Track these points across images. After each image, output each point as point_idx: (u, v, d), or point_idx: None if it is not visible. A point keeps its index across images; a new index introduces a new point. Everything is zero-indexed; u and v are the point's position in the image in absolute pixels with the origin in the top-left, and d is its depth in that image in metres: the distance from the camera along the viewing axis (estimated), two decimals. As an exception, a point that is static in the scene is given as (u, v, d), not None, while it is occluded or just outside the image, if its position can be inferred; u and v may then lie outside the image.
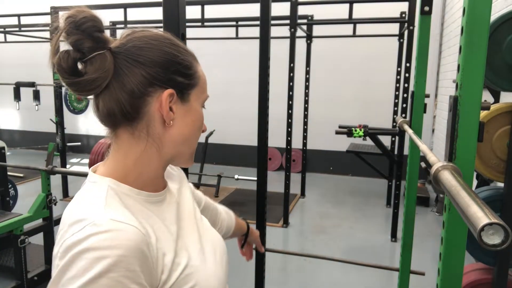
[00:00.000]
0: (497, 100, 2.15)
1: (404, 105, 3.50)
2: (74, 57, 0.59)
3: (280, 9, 3.65)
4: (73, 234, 0.54)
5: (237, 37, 5.00)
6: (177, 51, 0.66)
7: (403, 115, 3.40)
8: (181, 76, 0.65)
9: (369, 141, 3.68)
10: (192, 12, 3.40)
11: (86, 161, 5.65)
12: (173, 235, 0.66)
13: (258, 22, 1.83)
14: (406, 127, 1.59)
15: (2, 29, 5.61)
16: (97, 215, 0.56)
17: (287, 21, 3.76)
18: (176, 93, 0.64)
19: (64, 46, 0.60)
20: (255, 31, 2.19)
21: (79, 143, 7.31)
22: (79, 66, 0.60)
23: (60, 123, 4.57)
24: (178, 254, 0.64)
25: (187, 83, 0.66)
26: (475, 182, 1.98)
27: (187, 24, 1.20)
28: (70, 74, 0.59)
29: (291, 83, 3.78)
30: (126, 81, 0.61)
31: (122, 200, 0.61)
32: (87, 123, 7.31)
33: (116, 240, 0.53)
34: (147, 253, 0.56)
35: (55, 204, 2.61)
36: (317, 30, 4.78)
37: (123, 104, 0.62)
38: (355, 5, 3.66)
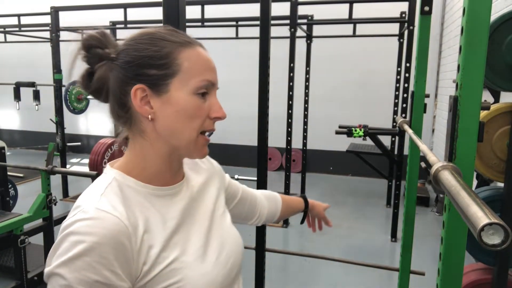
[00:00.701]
0: (497, 100, 2.15)
1: (404, 105, 3.50)
2: (87, 72, 0.69)
3: (280, 9, 3.65)
4: (68, 218, 0.61)
5: (237, 37, 5.00)
6: (151, 43, 0.66)
7: (403, 115, 3.40)
8: (152, 68, 0.65)
9: (369, 141, 3.68)
10: (192, 12, 3.40)
11: (86, 161, 5.65)
12: (169, 229, 0.67)
13: (258, 22, 1.83)
14: (406, 127, 1.59)
15: (2, 29, 5.61)
16: (88, 203, 0.62)
17: (287, 21, 3.76)
18: (149, 87, 0.65)
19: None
20: (255, 31, 2.19)
21: (79, 143, 7.31)
22: None
23: (60, 123, 4.57)
24: (167, 248, 0.65)
25: (161, 73, 0.65)
26: (475, 182, 1.98)
27: (187, 24, 1.20)
28: (86, 87, 0.69)
29: (291, 83, 3.78)
30: (112, 87, 0.68)
31: (122, 191, 0.65)
32: (87, 123, 7.31)
33: (94, 228, 0.58)
34: (126, 243, 0.60)
35: (55, 204, 2.61)
36: (317, 30, 4.78)
37: (115, 108, 0.69)
38: (355, 5, 3.67)
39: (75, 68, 0.69)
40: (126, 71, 0.66)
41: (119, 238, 0.59)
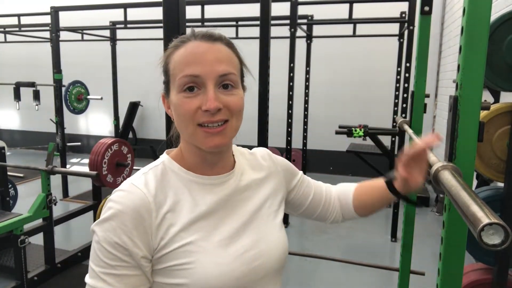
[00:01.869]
0: (497, 100, 2.14)
1: (404, 105, 3.50)
2: None
3: (280, 9, 3.65)
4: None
5: (237, 37, 5.00)
6: (165, 55, 0.74)
7: (403, 115, 3.40)
8: (164, 77, 0.74)
9: (369, 141, 3.67)
10: (192, 12, 3.40)
11: (86, 161, 5.64)
12: (195, 213, 0.71)
13: (258, 22, 1.83)
14: (406, 127, 1.59)
15: (2, 29, 5.61)
16: (131, 178, 0.72)
17: (287, 21, 3.76)
18: (165, 93, 0.75)
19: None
20: (255, 31, 2.19)
21: (79, 143, 7.31)
22: None
23: (60, 123, 4.57)
24: (188, 230, 0.69)
25: (166, 80, 0.74)
26: (475, 182, 1.98)
27: (187, 24, 1.20)
28: None
29: (291, 83, 3.78)
30: None
31: (165, 174, 0.73)
32: (87, 123, 7.31)
33: (122, 198, 0.67)
34: (145, 216, 0.67)
35: (55, 204, 2.62)
36: (317, 30, 4.78)
37: None
38: (355, 5, 3.67)
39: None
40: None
41: (139, 210, 0.66)
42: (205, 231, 0.70)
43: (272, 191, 0.84)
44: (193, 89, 0.68)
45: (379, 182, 0.92)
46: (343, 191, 1.01)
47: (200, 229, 0.70)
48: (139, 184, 0.69)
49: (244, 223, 0.75)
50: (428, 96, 1.64)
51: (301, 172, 0.98)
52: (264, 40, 1.80)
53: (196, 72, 0.67)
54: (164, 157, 0.77)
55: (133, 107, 6.18)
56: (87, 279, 0.67)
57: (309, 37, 4.58)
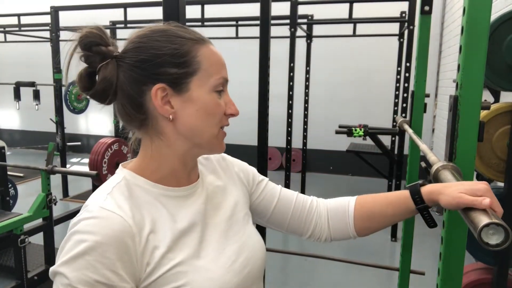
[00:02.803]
0: (497, 100, 2.14)
1: (404, 105, 3.49)
2: (86, 73, 0.65)
3: (280, 9, 3.64)
4: (76, 217, 0.60)
5: (237, 37, 5.00)
6: (167, 41, 0.64)
7: (403, 115, 3.40)
8: (172, 67, 0.63)
9: (369, 141, 3.67)
10: (192, 12, 3.40)
11: (86, 161, 5.65)
12: (178, 230, 0.64)
13: (258, 22, 1.83)
14: (406, 126, 1.59)
15: (2, 29, 5.60)
16: (95, 202, 0.61)
17: (287, 21, 3.76)
18: (170, 86, 0.64)
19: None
20: (255, 31, 2.19)
21: (79, 143, 7.31)
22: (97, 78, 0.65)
23: (60, 122, 4.57)
24: (174, 249, 0.62)
25: (182, 72, 0.64)
26: (475, 182, 1.98)
27: (187, 24, 1.20)
28: (84, 89, 0.65)
29: (291, 83, 3.78)
30: (124, 87, 0.64)
31: (131, 190, 0.64)
32: (87, 123, 7.31)
33: (97, 227, 0.57)
34: (129, 243, 0.58)
35: (55, 204, 2.61)
36: (317, 29, 4.77)
37: (128, 109, 0.66)
38: (355, 5, 3.66)
39: (69, 68, 0.65)
40: (143, 70, 0.63)
41: (122, 237, 0.57)
42: (191, 247, 0.65)
43: (236, 195, 0.80)
44: (220, 92, 0.68)
45: (395, 193, 0.79)
46: (338, 204, 0.86)
47: (185, 247, 0.64)
48: (111, 207, 0.59)
49: (223, 232, 0.71)
50: (428, 96, 1.64)
51: (264, 177, 0.88)
52: (264, 40, 1.80)
53: (227, 76, 0.69)
54: (124, 171, 0.67)
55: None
56: None
57: (309, 37, 4.58)
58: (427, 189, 0.73)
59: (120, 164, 0.71)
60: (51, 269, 0.58)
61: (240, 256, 0.70)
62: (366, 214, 0.81)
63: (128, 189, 0.64)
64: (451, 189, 0.68)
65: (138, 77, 0.63)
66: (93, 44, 0.63)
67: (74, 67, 0.66)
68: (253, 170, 0.88)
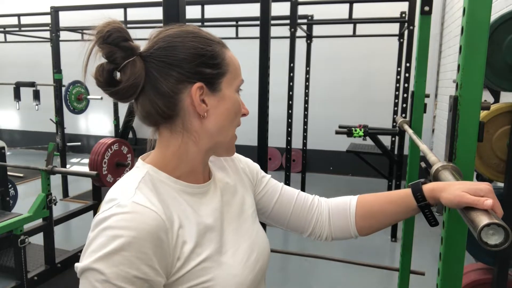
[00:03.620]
0: (497, 100, 2.14)
1: (404, 105, 3.49)
2: (108, 69, 0.64)
3: (280, 9, 3.64)
4: (103, 212, 0.59)
5: (237, 37, 5.00)
6: (201, 42, 0.67)
7: (403, 115, 3.40)
8: (208, 67, 0.66)
9: (369, 141, 3.67)
10: (192, 12, 3.40)
11: (86, 161, 5.65)
12: (202, 225, 0.66)
13: (258, 22, 1.83)
14: (406, 127, 1.59)
15: (2, 29, 5.60)
16: (125, 196, 0.60)
17: (287, 21, 3.76)
18: (206, 85, 0.66)
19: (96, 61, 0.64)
20: (255, 31, 2.19)
21: (79, 143, 7.31)
22: (118, 75, 0.65)
23: (60, 123, 4.57)
24: (201, 244, 0.64)
25: (216, 72, 0.67)
26: (475, 182, 1.98)
27: (187, 24, 1.20)
28: (108, 85, 0.64)
29: (291, 83, 3.78)
30: (158, 84, 0.65)
31: (155, 186, 0.65)
32: (87, 123, 7.31)
33: (133, 222, 0.56)
34: (164, 238, 0.59)
35: (55, 204, 2.61)
36: (317, 30, 4.77)
37: (158, 106, 0.66)
38: (355, 5, 3.66)
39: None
40: (182, 69, 0.64)
41: (157, 232, 0.58)
42: (215, 243, 0.67)
43: (244, 191, 0.82)
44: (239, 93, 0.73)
45: (397, 191, 0.80)
46: (339, 202, 0.86)
47: (210, 242, 0.66)
48: (143, 202, 0.59)
49: (236, 229, 0.73)
50: (428, 96, 1.64)
51: (267, 174, 0.91)
52: (264, 40, 1.80)
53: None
54: (146, 166, 0.68)
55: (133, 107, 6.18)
56: None
57: (309, 37, 4.58)
58: (429, 187, 0.74)
59: (140, 158, 0.71)
60: (81, 265, 0.56)
61: (252, 253, 0.73)
62: (367, 212, 0.82)
63: (153, 184, 0.65)
64: (453, 188, 0.68)
65: (177, 75, 0.65)
66: (122, 39, 0.63)
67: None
68: (256, 166, 0.91)
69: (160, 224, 0.59)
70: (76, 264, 0.58)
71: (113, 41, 0.62)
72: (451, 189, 0.69)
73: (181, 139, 0.68)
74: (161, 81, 0.64)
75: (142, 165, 0.68)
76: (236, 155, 0.88)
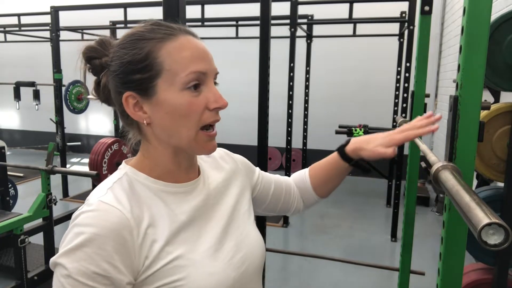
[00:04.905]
0: (497, 100, 2.15)
1: (404, 105, 3.50)
2: (96, 82, 0.71)
3: (280, 9, 3.65)
4: (78, 210, 0.62)
5: (237, 37, 5.00)
6: (130, 47, 0.64)
7: (403, 115, 3.40)
8: (136, 73, 0.63)
9: (369, 141, 3.67)
10: (192, 12, 3.40)
11: (86, 160, 5.65)
12: (176, 224, 0.65)
13: (258, 22, 1.83)
14: (406, 127, 1.59)
15: (2, 29, 5.61)
16: (95, 196, 0.63)
17: (287, 21, 3.76)
18: (138, 92, 0.64)
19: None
20: (255, 31, 2.19)
21: (79, 143, 7.31)
22: None
23: (60, 122, 4.57)
24: (173, 243, 0.64)
25: (146, 76, 0.63)
26: (475, 182, 1.98)
27: (187, 24, 1.20)
28: (97, 96, 0.72)
29: (291, 83, 3.78)
30: (112, 95, 0.69)
31: (132, 186, 0.66)
32: (87, 123, 7.31)
33: (95, 219, 0.58)
34: (127, 236, 0.59)
35: (55, 204, 2.61)
36: (317, 29, 4.78)
37: (119, 113, 0.71)
38: (355, 5, 3.67)
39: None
40: (116, 80, 0.65)
41: (119, 230, 0.58)
42: (190, 242, 0.66)
43: (239, 191, 0.82)
44: (197, 87, 0.64)
45: (330, 156, 0.94)
46: (299, 177, 0.99)
47: (184, 241, 0.65)
48: (110, 201, 0.61)
49: (223, 227, 0.72)
50: (428, 96, 1.64)
51: (258, 168, 0.95)
52: (264, 40, 1.80)
53: (204, 69, 0.64)
54: (125, 168, 0.69)
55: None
56: None
57: (309, 37, 4.58)
58: (351, 148, 0.90)
59: (124, 161, 0.73)
60: (52, 259, 0.59)
61: (238, 252, 0.72)
62: (318, 181, 0.96)
63: (129, 184, 0.66)
64: (371, 145, 0.86)
65: (115, 87, 0.66)
66: (91, 58, 0.68)
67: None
68: (252, 165, 0.93)
69: (123, 222, 0.59)
70: (50, 258, 0.60)
71: (86, 60, 0.69)
72: (369, 146, 0.86)
73: (146, 144, 0.70)
74: (112, 92, 0.68)
75: (124, 167, 0.70)
76: (233, 154, 0.89)
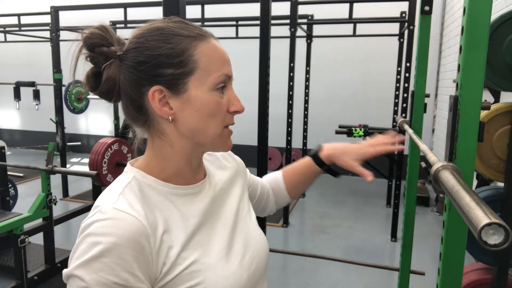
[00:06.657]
0: (497, 100, 2.14)
1: (404, 105, 3.50)
2: (93, 72, 0.65)
3: (280, 9, 3.65)
4: (87, 218, 0.59)
5: (237, 37, 5.00)
6: (163, 40, 0.62)
7: (403, 115, 3.40)
8: (168, 67, 0.62)
9: (369, 141, 3.67)
10: (192, 11, 3.40)
11: (86, 160, 5.65)
12: (189, 228, 0.65)
13: (258, 22, 1.83)
14: (406, 127, 1.59)
15: (2, 29, 5.61)
16: (107, 203, 0.60)
17: (287, 21, 3.76)
18: (167, 87, 0.62)
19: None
20: (255, 31, 2.19)
21: (79, 143, 7.31)
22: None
23: (60, 122, 4.57)
24: (188, 248, 0.63)
25: (179, 72, 0.62)
26: (475, 182, 1.98)
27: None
28: (93, 88, 0.66)
29: (291, 83, 3.78)
30: (125, 87, 0.64)
31: (142, 190, 0.64)
32: (87, 123, 7.31)
33: (112, 228, 0.56)
34: (145, 244, 0.58)
35: (55, 204, 2.61)
36: (317, 29, 4.78)
37: (130, 109, 0.66)
38: (355, 5, 3.67)
39: (77, 68, 0.66)
40: (140, 72, 0.62)
41: (137, 238, 0.57)
42: (203, 245, 0.65)
43: (241, 191, 0.82)
44: (223, 89, 0.66)
45: (304, 161, 0.99)
46: (273, 179, 1.01)
47: (198, 245, 0.65)
48: (124, 208, 0.59)
49: (230, 228, 0.72)
50: (428, 96, 1.64)
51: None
52: (264, 40, 1.80)
53: (230, 72, 0.67)
54: (133, 171, 0.67)
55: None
56: None
57: (309, 37, 4.58)
58: (325, 154, 0.96)
59: (128, 162, 0.71)
60: (65, 271, 0.57)
61: (247, 251, 0.72)
62: (292, 183, 1.00)
63: (139, 188, 0.64)
64: (345, 157, 0.96)
65: (137, 79, 0.63)
66: (96, 45, 0.63)
67: (81, 66, 0.66)
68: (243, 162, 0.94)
69: (140, 229, 0.58)
70: (63, 270, 0.58)
71: (89, 47, 0.63)
72: (343, 158, 0.95)
73: (159, 142, 0.67)
74: (126, 84, 0.64)
75: (130, 170, 0.67)
76: (236, 156, 0.89)
